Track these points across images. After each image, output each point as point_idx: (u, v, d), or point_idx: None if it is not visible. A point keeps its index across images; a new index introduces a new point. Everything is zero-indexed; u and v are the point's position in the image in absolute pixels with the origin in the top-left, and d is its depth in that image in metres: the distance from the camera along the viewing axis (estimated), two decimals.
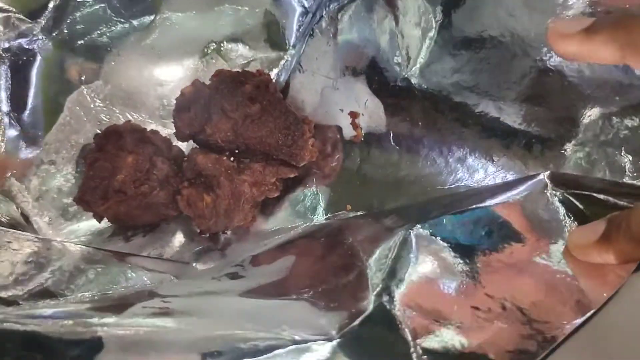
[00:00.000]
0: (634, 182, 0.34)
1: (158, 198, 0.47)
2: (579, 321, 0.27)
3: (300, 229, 0.47)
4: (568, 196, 0.34)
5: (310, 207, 0.48)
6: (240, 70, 0.48)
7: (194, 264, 0.47)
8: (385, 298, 0.30)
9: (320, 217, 0.47)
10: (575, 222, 0.32)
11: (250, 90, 0.46)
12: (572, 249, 0.30)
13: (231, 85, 0.46)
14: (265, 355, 0.28)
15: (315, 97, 0.48)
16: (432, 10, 0.42)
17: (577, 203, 0.33)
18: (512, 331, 0.28)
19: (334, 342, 0.28)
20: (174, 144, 0.50)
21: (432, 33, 0.42)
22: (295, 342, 0.28)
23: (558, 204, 0.34)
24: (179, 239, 0.50)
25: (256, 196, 0.47)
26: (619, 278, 0.27)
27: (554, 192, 0.35)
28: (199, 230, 0.49)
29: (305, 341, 0.29)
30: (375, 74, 0.45)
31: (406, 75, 0.44)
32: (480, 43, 0.40)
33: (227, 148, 0.47)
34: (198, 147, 0.48)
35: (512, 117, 0.40)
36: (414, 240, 0.33)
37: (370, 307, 0.30)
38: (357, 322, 0.29)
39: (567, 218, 0.33)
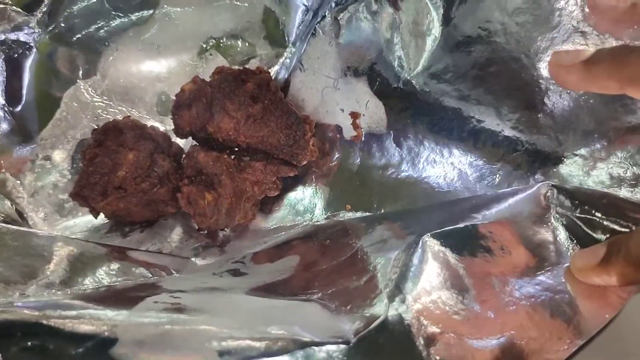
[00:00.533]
0: (632, 196, 0.35)
1: (158, 195, 0.47)
2: (580, 342, 0.28)
3: (301, 227, 0.47)
4: (572, 219, 0.34)
5: (310, 206, 0.48)
6: (241, 68, 0.48)
7: (193, 259, 0.47)
8: (397, 305, 0.31)
9: (319, 216, 0.47)
10: (578, 246, 0.33)
11: (252, 89, 0.46)
12: (574, 271, 0.30)
13: (233, 84, 0.46)
14: (281, 356, 0.28)
15: (316, 97, 0.48)
16: (435, 14, 0.42)
17: (581, 225, 0.34)
18: (519, 348, 0.29)
19: (351, 346, 0.29)
20: (172, 140, 0.50)
21: (435, 36, 0.42)
22: (312, 344, 0.29)
23: (561, 228, 0.34)
24: (177, 235, 0.50)
25: (257, 195, 0.47)
26: (621, 300, 0.28)
27: (557, 215, 0.35)
28: (197, 227, 0.49)
29: (322, 343, 0.29)
30: (377, 76, 0.45)
31: (408, 78, 0.44)
32: (483, 48, 0.40)
33: (227, 146, 0.47)
34: (198, 144, 0.48)
35: (513, 123, 0.40)
36: (424, 249, 0.34)
37: (384, 313, 0.31)
38: (372, 327, 0.30)
39: (569, 241, 0.34)
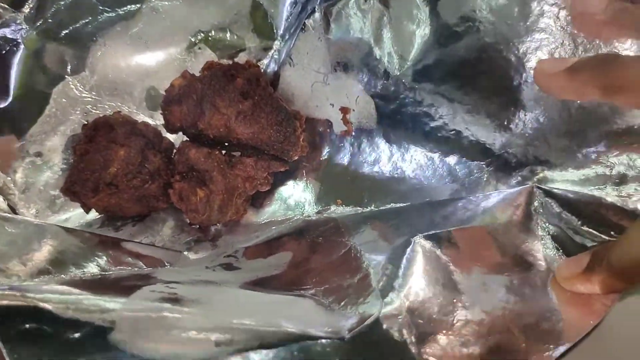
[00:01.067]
0: (617, 194, 0.36)
1: (149, 191, 0.48)
2: (564, 348, 0.29)
3: (292, 222, 0.47)
4: (559, 226, 0.36)
5: (301, 200, 0.49)
6: (231, 63, 0.48)
7: (186, 253, 0.48)
8: (390, 303, 0.32)
9: (310, 211, 0.48)
10: (564, 255, 0.34)
11: (241, 84, 0.46)
12: (559, 280, 0.32)
13: (222, 80, 0.46)
14: (278, 349, 0.29)
15: (306, 91, 0.48)
16: (425, 11, 0.42)
17: (567, 232, 0.35)
18: (506, 350, 0.30)
19: (345, 341, 0.30)
20: (163, 135, 0.50)
21: (424, 34, 0.42)
22: (307, 338, 0.30)
23: (547, 236, 0.36)
24: (168, 228, 0.50)
25: (248, 190, 0.47)
26: (605, 307, 0.29)
27: (544, 223, 0.36)
28: (189, 222, 0.50)
29: (317, 337, 0.30)
30: (367, 72, 0.46)
31: (398, 74, 0.44)
32: (472, 47, 0.40)
33: (218, 142, 0.47)
34: (188, 139, 0.48)
35: (501, 122, 0.41)
36: (415, 249, 0.35)
37: (377, 310, 0.32)
38: (366, 324, 0.31)
39: (555, 250, 0.35)
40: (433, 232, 0.36)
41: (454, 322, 0.31)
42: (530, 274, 0.33)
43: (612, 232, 0.34)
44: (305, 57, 0.48)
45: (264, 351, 0.29)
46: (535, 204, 0.38)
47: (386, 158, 0.46)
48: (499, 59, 0.40)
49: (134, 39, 0.51)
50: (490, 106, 0.41)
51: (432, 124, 0.44)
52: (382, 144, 0.46)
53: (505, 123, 0.40)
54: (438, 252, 0.35)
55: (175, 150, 0.49)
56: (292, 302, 0.35)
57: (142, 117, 0.52)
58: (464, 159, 0.43)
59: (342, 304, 0.34)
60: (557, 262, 0.33)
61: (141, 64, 0.52)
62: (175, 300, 0.33)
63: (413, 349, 0.30)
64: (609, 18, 0.34)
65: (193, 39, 0.52)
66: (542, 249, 0.35)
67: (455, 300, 0.32)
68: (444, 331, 0.31)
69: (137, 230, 0.50)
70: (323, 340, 0.30)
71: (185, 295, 0.34)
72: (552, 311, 0.31)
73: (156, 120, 0.52)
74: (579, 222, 0.35)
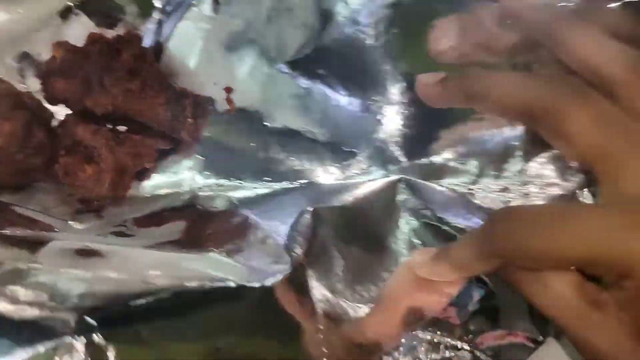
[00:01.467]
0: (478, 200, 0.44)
1: (32, 165, 0.47)
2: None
3: (179, 196, 0.49)
4: (421, 222, 0.42)
5: (186, 175, 0.50)
6: (115, 36, 0.48)
7: (70, 223, 0.48)
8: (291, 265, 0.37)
9: (194, 186, 0.50)
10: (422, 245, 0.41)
11: (128, 60, 0.46)
12: (412, 264, 0.37)
13: (108, 56, 0.46)
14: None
15: (190, 68, 0.49)
16: (315, 5, 0.46)
17: (429, 229, 0.42)
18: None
19: (261, 289, 0.35)
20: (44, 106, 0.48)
21: (312, 22, 0.46)
22: (232, 285, 0.35)
23: (409, 230, 0.42)
24: (50, 199, 0.50)
25: (136, 167, 0.49)
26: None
27: (408, 218, 0.43)
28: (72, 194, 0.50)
29: (238, 286, 0.35)
30: (254, 55, 0.48)
31: (284, 61, 0.48)
32: (353, 46, 0.45)
33: (105, 118, 0.48)
34: (73, 113, 0.48)
35: (374, 115, 0.47)
36: (307, 215, 0.40)
37: (283, 269, 0.37)
38: (271, 281, 0.36)
39: (414, 243, 0.42)
40: (326, 205, 0.42)
41: (344, 286, 0.38)
42: (392, 262, 0.40)
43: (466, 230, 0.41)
44: (192, 34, 0.49)
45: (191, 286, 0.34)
46: (400, 197, 0.44)
47: (268, 138, 0.49)
48: (377, 56, 0.45)
49: (3, 2, 0.48)
50: (365, 97, 0.46)
51: (313, 109, 0.48)
52: (265, 124, 0.49)
53: (377, 117, 0.46)
54: (318, 227, 0.40)
55: (57, 123, 0.49)
56: (202, 259, 0.38)
57: (16, 86, 0.49)
58: (342, 145, 0.48)
59: (247, 261, 0.38)
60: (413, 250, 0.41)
61: (12, 28, 0.48)
62: (91, 250, 0.36)
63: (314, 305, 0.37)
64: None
65: (69, 3, 0.50)
66: (402, 241, 0.42)
67: (341, 266, 0.39)
68: (340, 294, 0.38)
69: (16, 200, 0.49)
70: (247, 288, 0.35)
71: (99, 247, 0.37)
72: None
73: (31, 89, 0.50)
74: (439, 218, 0.42)
